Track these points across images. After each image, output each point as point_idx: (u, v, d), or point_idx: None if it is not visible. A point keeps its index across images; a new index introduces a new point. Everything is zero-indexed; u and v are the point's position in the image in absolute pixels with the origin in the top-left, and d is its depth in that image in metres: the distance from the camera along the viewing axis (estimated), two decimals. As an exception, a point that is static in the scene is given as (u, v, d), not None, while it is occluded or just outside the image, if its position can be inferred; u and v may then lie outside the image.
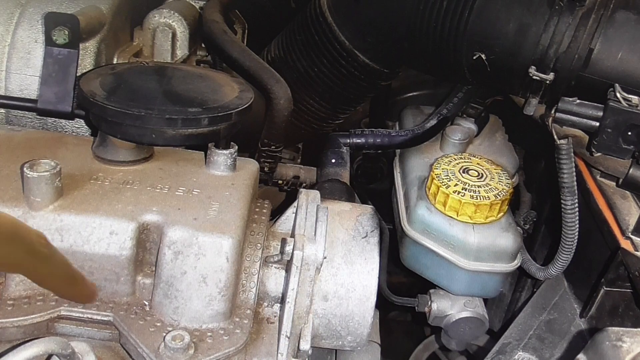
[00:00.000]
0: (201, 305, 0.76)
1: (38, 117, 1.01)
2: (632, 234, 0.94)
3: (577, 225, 0.97)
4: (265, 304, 0.85)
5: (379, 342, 1.07)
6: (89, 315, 0.77)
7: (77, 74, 0.94)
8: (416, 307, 1.15)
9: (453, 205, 1.02)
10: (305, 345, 0.79)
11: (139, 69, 0.94)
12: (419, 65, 1.28)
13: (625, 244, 0.93)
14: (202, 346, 0.74)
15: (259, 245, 0.84)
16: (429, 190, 1.07)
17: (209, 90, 0.89)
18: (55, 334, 0.76)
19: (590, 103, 0.96)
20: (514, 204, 1.20)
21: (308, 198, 0.88)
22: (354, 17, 1.22)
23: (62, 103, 0.94)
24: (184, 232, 0.76)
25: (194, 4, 1.32)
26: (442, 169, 1.07)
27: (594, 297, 0.95)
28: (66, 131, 1.03)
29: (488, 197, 1.02)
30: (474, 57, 1.07)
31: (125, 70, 0.93)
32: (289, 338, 0.77)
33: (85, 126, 1.02)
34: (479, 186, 1.04)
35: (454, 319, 1.09)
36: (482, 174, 1.08)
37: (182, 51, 1.22)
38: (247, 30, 1.50)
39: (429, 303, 1.12)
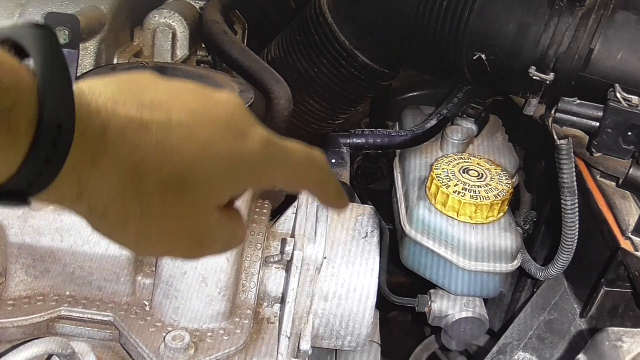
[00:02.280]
0: (201, 305, 0.77)
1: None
2: (632, 234, 0.94)
3: (577, 225, 0.97)
4: (265, 304, 0.85)
5: (379, 342, 1.07)
6: (89, 315, 0.77)
7: (77, 74, 0.94)
8: (416, 307, 1.14)
9: (453, 205, 1.02)
10: (305, 345, 0.79)
11: (139, 69, 0.93)
12: (419, 65, 1.28)
13: (625, 244, 0.93)
14: (202, 346, 0.74)
15: (259, 245, 0.84)
16: (429, 190, 1.07)
17: (209, 90, 0.89)
18: (55, 334, 0.76)
19: (590, 103, 0.96)
20: (514, 204, 1.20)
21: (308, 198, 0.88)
22: (354, 17, 1.22)
23: (62, 103, 0.94)
24: (184, 232, 0.76)
25: (194, 4, 1.32)
26: (442, 169, 1.07)
27: (594, 297, 0.95)
28: (66, 131, 1.03)
29: (488, 197, 1.02)
30: (474, 57, 1.07)
31: (125, 70, 0.93)
32: (289, 338, 0.77)
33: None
34: (479, 186, 1.04)
35: (454, 319, 1.09)
36: (482, 174, 1.08)
37: (182, 51, 1.22)
38: (247, 30, 1.50)
39: (429, 303, 1.12)
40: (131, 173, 0.39)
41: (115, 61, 1.09)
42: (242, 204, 0.82)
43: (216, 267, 0.76)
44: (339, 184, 0.55)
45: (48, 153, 0.35)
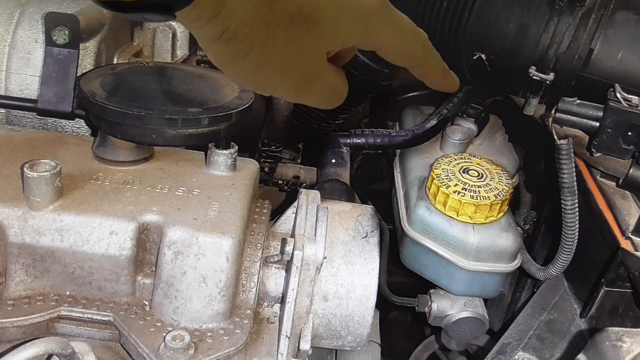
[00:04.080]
0: (201, 305, 0.77)
1: (38, 117, 1.01)
2: (632, 234, 0.94)
3: (577, 225, 0.97)
4: (265, 304, 0.85)
5: (379, 342, 1.07)
6: (89, 315, 0.77)
7: (77, 74, 0.94)
8: (416, 307, 1.14)
9: (453, 206, 1.02)
10: (306, 345, 0.79)
11: (139, 69, 0.94)
12: (419, 65, 1.28)
13: (625, 244, 0.93)
14: (202, 346, 0.74)
15: (259, 245, 0.84)
16: (429, 190, 1.07)
17: (209, 90, 0.89)
18: (55, 334, 0.76)
19: (590, 103, 0.96)
20: (514, 204, 1.20)
21: (308, 198, 0.88)
22: (354, 17, 1.21)
23: (62, 103, 0.94)
24: (184, 232, 0.77)
25: (194, 4, 1.32)
26: (442, 169, 1.07)
27: (594, 297, 0.95)
28: (66, 131, 1.03)
29: (488, 197, 1.02)
30: (474, 57, 1.07)
31: (125, 70, 0.93)
32: (289, 338, 0.77)
33: (85, 126, 1.03)
34: (479, 186, 1.04)
35: (454, 319, 1.09)
36: (482, 174, 1.08)
37: (182, 51, 1.22)
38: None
39: (429, 303, 1.12)
40: (264, 0, 0.42)
41: (115, 61, 1.09)
42: (242, 202, 0.82)
43: (216, 267, 0.76)
44: (444, 63, 0.58)
45: None
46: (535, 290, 1.14)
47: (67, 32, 0.92)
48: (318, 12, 0.45)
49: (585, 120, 0.95)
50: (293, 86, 0.49)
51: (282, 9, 0.43)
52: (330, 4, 0.46)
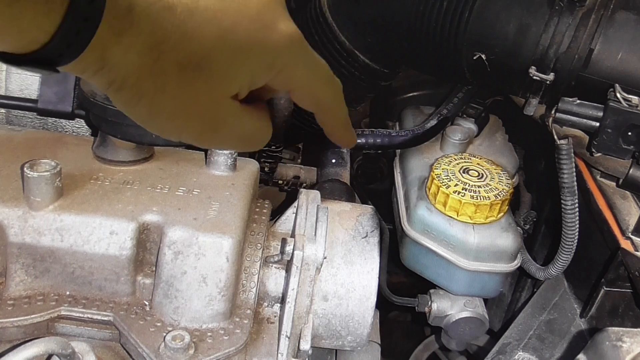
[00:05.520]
0: (201, 305, 0.77)
1: (38, 117, 1.01)
2: (632, 234, 0.94)
3: (577, 225, 0.97)
4: (266, 304, 0.85)
5: (379, 342, 1.07)
6: (89, 315, 0.77)
7: (77, 74, 0.93)
8: (416, 307, 1.14)
9: (453, 206, 1.02)
10: (306, 345, 0.79)
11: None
12: (419, 65, 1.28)
13: (625, 244, 0.93)
14: (202, 346, 0.74)
15: (259, 245, 0.84)
16: (429, 190, 1.07)
17: (209, 90, 0.89)
18: (56, 334, 0.77)
19: (590, 103, 0.96)
20: (514, 204, 1.20)
21: (308, 198, 0.88)
22: (354, 17, 1.22)
23: (63, 103, 0.94)
24: (184, 232, 0.77)
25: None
26: (442, 169, 1.07)
27: (594, 297, 0.95)
28: (66, 131, 1.03)
29: (488, 197, 1.02)
30: (474, 57, 1.07)
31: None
32: (289, 338, 0.77)
33: (85, 126, 1.03)
34: (479, 186, 1.04)
35: (454, 319, 1.09)
36: (482, 174, 1.08)
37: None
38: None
39: (429, 303, 1.12)
40: (150, 51, 0.41)
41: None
42: (242, 202, 0.82)
43: (216, 267, 0.76)
44: (348, 118, 0.57)
45: (80, 25, 0.37)
46: (535, 290, 1.14)
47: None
48: (210, 58, 0.43)
49: (585, 120, 0.95)
50: (195, 132, 0.48)
51: (170, 59, 0.42)
52: (225, 47, 0.44)
